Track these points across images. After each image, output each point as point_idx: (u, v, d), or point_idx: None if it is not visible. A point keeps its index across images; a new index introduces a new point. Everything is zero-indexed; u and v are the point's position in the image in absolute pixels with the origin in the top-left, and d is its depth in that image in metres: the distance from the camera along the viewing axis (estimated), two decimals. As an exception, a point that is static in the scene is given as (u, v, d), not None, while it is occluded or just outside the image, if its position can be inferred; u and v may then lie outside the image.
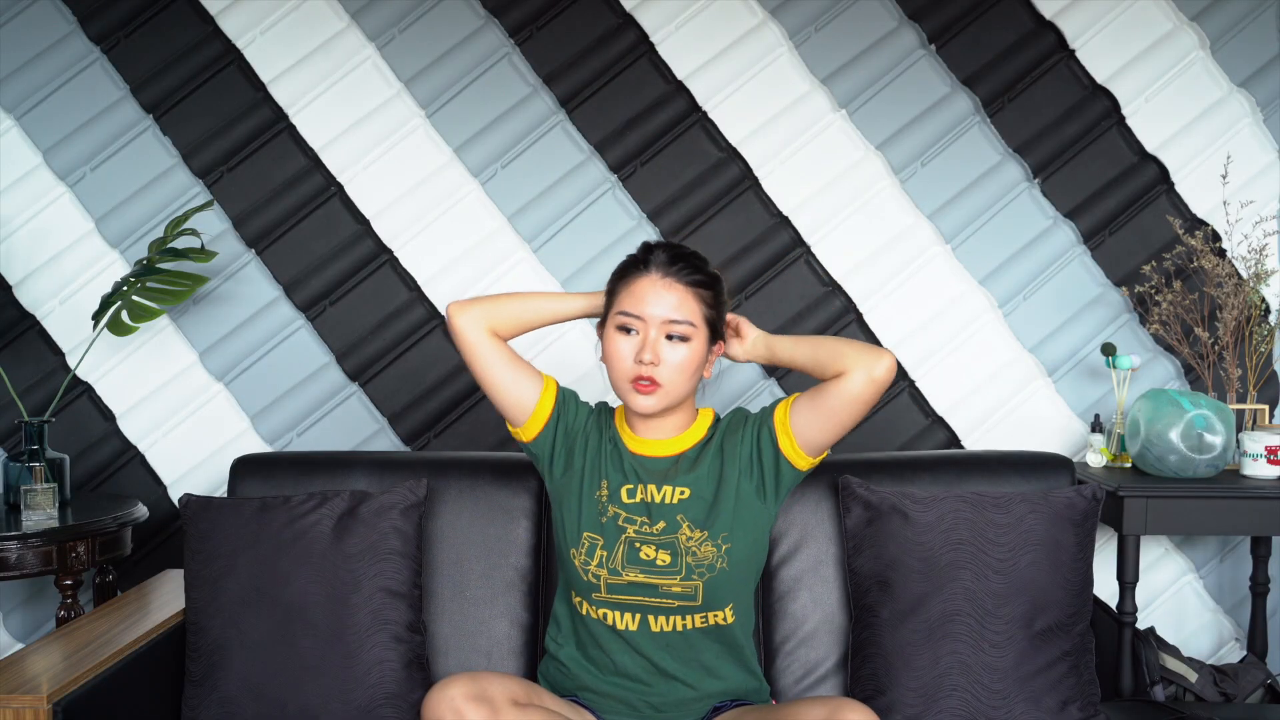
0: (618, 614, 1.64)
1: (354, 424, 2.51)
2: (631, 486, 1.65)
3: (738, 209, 2.50)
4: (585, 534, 1.65)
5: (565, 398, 1.72)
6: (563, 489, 1.70)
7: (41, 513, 2.11)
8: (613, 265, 2.46)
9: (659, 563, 1.61)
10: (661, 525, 1.62)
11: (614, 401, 1.76)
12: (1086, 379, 2.51)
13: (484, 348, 1.66)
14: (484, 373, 1.67)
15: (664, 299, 1.56)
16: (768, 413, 1.66)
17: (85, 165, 2.50)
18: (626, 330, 1.58)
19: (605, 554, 1.63)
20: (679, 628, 1.64)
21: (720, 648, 1.67)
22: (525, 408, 1.68)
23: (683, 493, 1.64)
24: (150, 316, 2.29)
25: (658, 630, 1.64)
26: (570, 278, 2.50)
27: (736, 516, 1.63)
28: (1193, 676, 2.14)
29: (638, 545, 1.62)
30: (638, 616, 1.63)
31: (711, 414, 1.73)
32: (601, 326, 1.65)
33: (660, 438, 1.68)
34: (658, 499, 1.64)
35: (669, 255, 1.59)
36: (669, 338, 1.57)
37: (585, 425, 1.71)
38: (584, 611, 1.68)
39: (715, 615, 1.64)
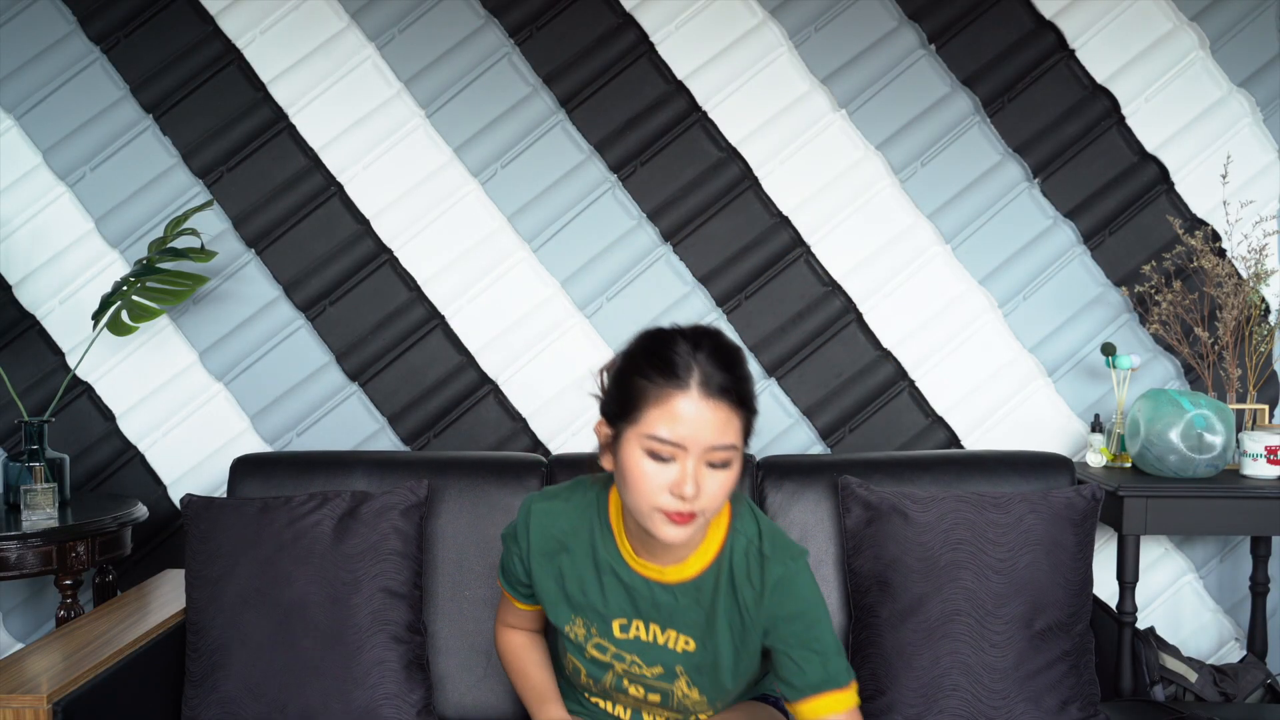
0: (608, 703, 1.55)
1: (354, 424, 2.51)
2: (625, 621, 1.44)
3: (738, 209, 2.50)
4: (570, 657, 1.51)
5: (520, 578, 1.51)
6: (543, 600, 1.50)
7: (41, 513, 2.11)
8: (613, 265, 2.51)
9: (649, 699, 1.50)
10: (658, 670, 1.45)
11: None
12: (1086, 379, 2.51)
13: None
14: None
15: (708, 423, 1.26)
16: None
17: (85, 165, 2.50)
18: (658, 457, 1.27)
19: (590, 680, 1.51)
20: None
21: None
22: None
23: (688, 644, 1.43)
24: (150, 316, 2.29)
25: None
26: (570, 278, 2.50)
27: (738, 672, 1.45)
28: (1193, 676, 2.14)
29: (626, 683, 1.49)
30: (629, 711, 1.55)
31: (725, 520, 1.42)
32: (610, 428, 1.33)
33: (667, 563, 1.40)
34: (661, 640, 1.43)
35: (712, 366, 1.27)
36: (710, 464, 1.28)
37: (559, 563, 1.46)
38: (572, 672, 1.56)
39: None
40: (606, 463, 1.35)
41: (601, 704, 1.55)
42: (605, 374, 1.39)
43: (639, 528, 1.36)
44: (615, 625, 1.44)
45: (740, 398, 1.29)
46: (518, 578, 1.49)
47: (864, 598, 1.84)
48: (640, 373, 1.29)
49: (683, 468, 1.26)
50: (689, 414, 1.25)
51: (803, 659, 1.39)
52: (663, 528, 1.29)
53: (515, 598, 1.53)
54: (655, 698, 1.48)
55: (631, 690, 1.48)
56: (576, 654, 1.49)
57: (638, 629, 1.44)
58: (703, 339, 1.29)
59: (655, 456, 1.27)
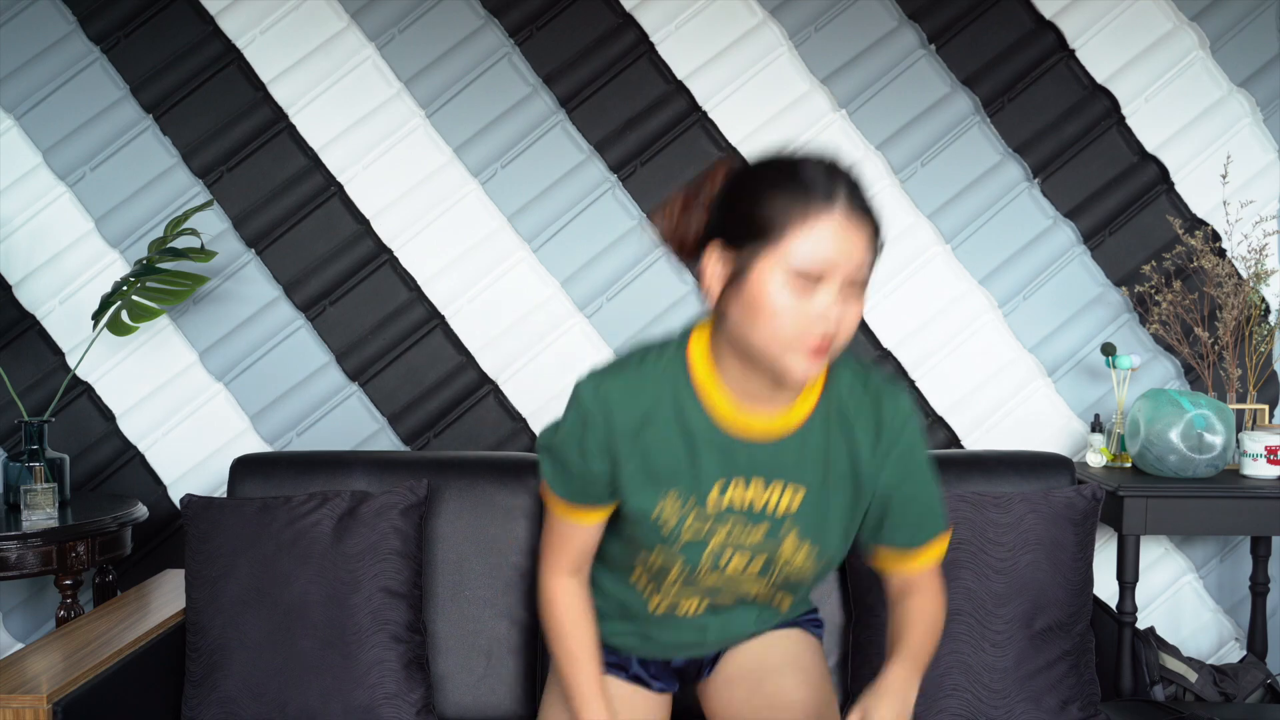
0: (682, 600, 1.42)
1: (354, 424, 2.51)
2: (724, 482, 1.29)
3: (738, 209, 2.49)
4: (654, 557, 1.36)
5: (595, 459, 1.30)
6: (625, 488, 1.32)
7: (41, 513, 2.11)
8: (613, 265, 2.51)
9: (749, 571, 1.36)
10: (763, 529, 1.31)
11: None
12: (1086, 379, 2.51)
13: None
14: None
15: (855, 245, 1.14)
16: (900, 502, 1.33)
17: (85, 165, 2.50)
18: (802, 282, 1.14)
19: (683, 572, 1.37)
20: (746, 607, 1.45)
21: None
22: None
23: (795, 495, 1.29)
24: (150, 316, 2.29)
25: (721, 605, 1.44)
26: (570, 278, 2.50)
27: (848, 528, 1.34)
28: (1193, 676, 2.14)
29: (726, 557, 1.34)
30: (705, 602, 1.42)
31: None
32: (732, 254, 1.18)
33: (775, 410, 1.27)
34: (761, 501, 1.30)
35: (857, 185, 1.17)
36: (848, 291, 1.17)
37: (645, 439, 1.29)
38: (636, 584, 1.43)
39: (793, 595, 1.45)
40: (722, 300, 1.20)
41: (677, 601, 1.42)
42: (679, 206, 1.28)
43: (745, 374, 1.23)
44: (714, 491, 1.29)
45: (875, 221, 1.18)
46: (594, 477, 1.30)
47: (864, 597, 1.84)
48: (777, 189, 1.14)
49: (827, 294, 1.14)
50: (837, 235, 1.13)
51: (903, 517, 1.32)
52: (799, 363, 1.16)
53: (586, 506, 1.34)
54: (756, 566, 1.34)
55: (731, 565, 1.34)
56: (666, 547, 1.32)
57: (737, 487, 1.29)
58: (830, 160, 1.18)
59: (798, 283, 1.13)
